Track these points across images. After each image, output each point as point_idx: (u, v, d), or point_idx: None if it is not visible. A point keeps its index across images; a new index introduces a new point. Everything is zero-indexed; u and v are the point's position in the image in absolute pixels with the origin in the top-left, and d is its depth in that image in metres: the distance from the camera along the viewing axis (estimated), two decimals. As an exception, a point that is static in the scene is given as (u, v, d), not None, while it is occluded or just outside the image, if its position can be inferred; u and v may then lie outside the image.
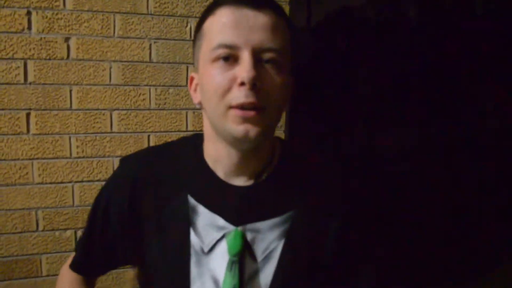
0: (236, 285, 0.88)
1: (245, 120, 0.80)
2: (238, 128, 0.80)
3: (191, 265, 0.90)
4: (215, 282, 0.89)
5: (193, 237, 0.89)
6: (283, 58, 0.83)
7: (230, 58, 0.80)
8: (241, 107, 0.79)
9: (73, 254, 1.05)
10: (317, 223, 0.91)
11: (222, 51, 0.80)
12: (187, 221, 0.90)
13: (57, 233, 1.69)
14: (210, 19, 0.84)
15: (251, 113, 0.79)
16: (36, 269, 1.68)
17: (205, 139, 0.92)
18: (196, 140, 0.94)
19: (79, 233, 1.69)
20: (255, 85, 0.78)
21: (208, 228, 0.89)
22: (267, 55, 0.81)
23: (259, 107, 0.80)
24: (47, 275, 1.69)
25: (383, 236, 1.12)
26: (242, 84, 0.78)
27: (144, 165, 0.96)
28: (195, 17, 1.76)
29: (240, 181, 0.90)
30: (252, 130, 0.80)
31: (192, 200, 0.90)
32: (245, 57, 0.79)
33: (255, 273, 0.89)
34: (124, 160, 1.00)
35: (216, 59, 0.81)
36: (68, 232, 1.70)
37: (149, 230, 0.92)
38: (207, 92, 0.83)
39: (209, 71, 0.82)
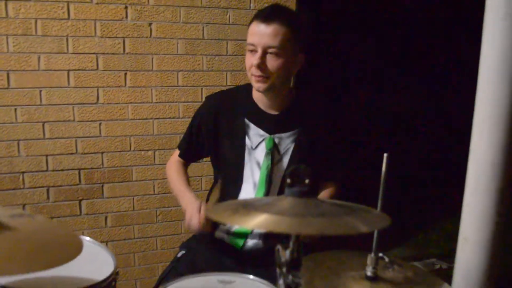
0: (269, 165, 1.71)
1: (257, 81, 1.62)
2: (255, 85, 1.64)
3: (245, 155, 1.74)
4: (258, 164, 1.73)
5: (246, 140, 1.74)
6: (282, 51, 1.56)
7: (253, 51, 1.61)
8: (255, 76, 1.62)
9: (175, 150, 1.91)
10: (312, 134, 1.73)
11: (249, 47, 1.62)
12: (244, 131, 1.74)
13: (142, 152, 2.59)
14: (250, 26, 1.65)
15: (259, 79, 1.60)
16: (129, 176, 2.60)
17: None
18: (249, 86, 1.75)
19: (157, 152, 2.59)
20: (260, 66, 1.58)
21: (255, 135, 1.73)
22: (270, 50, 1.58)
23: (264, 76, 1.60)
24: (136, 180, 2.61)
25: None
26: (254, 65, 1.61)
27: (219, 99, 1.80)
28: (233, 8, 2.60)
29: (272, 111, 1.72)
30: (261, 86, 1.62)
31: (246, 120, 1.75)
32: (258, 52, 1.59)
33: (279, 160, 1.73)
34: (209, 96, 1.85)
35: (248, 50, 1.63)
36: (150, 152, 2.61)
37: (223, 136, 1.76)
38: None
39: (246, 55, 1.65)
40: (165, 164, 2.01)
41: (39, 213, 2.38)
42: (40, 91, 2.36)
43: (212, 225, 1.63)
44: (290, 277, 0.87)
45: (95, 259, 1.49)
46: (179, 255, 1.76)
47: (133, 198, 2.58)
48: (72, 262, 1.12)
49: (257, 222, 0.78)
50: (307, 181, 0.86)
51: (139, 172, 2.58)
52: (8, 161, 2.36)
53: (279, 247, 0.88)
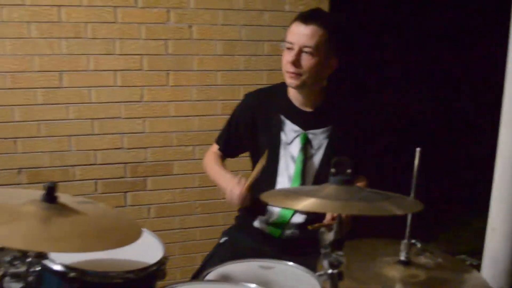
0: (303, 160, 1.83)
1: (290, 78, 1.74)
2: (288, 81, 1.75)
3: (280, 150, 1.85)
4: (292, 158, 1.85)
5: (282, 135, 1.85)
6: (316, 51, 1.67)
7: (290, 48, 1.73)
8: (288, 72, 1.73)
9: (213, 145, 2.03)
10: (344, 131, 1.84)
11: (287, 45, 1.74)
12: (279, 127, 1.85)
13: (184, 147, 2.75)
14: (290, 25, 1.76)
15: (292, 75, 1.72)
16: (171, 169, 2.75)
17: None
18: (285, 84, 1.84)
19: (197, 147, 2.72)
20: (294, 63, 1.70)
21: (290, 131, 1.84)
22: (306, 49, 1.70)
23: (296, 73, 1.71)
24: (178, 174, 2.76)
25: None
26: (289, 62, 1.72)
27: (257, 97, 1.93)
28: (268, 10, 2.72)
29: (306, 108, 1.84)
30: (292, 83, 1.74)
31: (282, 117, 1.85)
32: (294, 50, 1.71)
33: (312, 155, 1.84)
34: (247, 94, 1.97)
35: (285, 47, 1.74)
36: (190, 147, 2.75)
37: (260, 131, 1.87)
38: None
39: (283, 52, 1.76)
40: (205, 158, 2.14)
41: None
42: (90, 90, 2.54)
43: (251, 200, 1.73)
44: (333, 256, 0.98)
45: (146, 245, 1.60)
46: (221, 241, 1.89)
47: (175, 191, 2.73)
48: (126, 246, 1.27)
49: (307, 204, 0.90)
50: (349, 171, 0.97)
51: (181, 166, 2.72)
52: (60, 155, 2.54)
53: (323, 229, 0.99)
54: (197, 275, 1.69)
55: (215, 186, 1.98)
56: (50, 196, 1.23)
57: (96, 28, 2.49)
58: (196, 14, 2.62)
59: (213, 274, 1.57)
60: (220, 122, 2.61)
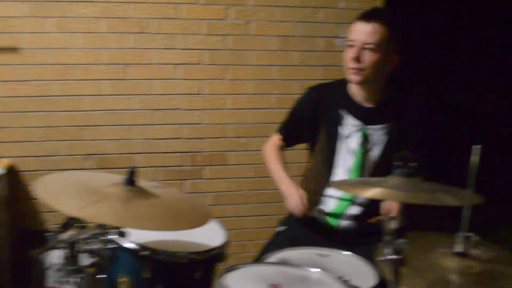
0: (363, 153, 1.89)
1: (352, 73, 1.80)
2: (350, 77, 1.82)
3: (339, 143, 1.92)
4: (350, 152, 1.90)
5: (340, 129, 1.93)
6: (377, 47, 1.73)
7: (352, 46, 1.79)
8: (350, 68, 1.80)
9: (273, 135, 2.11)
10: (403, 128, 1.88)
11: (349, 42, 1.80)
12: (339, 121, 1.92)
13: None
14: (352, 24, 1.82)
15: (353, 71, 1.79)
16: (226, 160, 2.87)
17: None
18: (345, 81, 1.92)
19: (252, 139, 2.82)
20: (356, 59, 1.76)
21: (349, 125, 1.91)
22: (367, 46, 1.76)
23: (358, 69, 1.78)
24: (233, 164, 2.88)
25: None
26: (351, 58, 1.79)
27: (320, 91, 2.00)
28: (323, 7, 2.78)
29: (367, 104, 1.90)
30: (355, 78, 1.81)
31: (342, 112, 1.93)
32: (356, 47, 1.78)
33: (370, 150, 1.89)
34: (309, 88, 2.04)
35: (347, 45, 1.81)
36: (245, 139, 2.86)
37: (320, 124, 1.95)
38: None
39: (345, 49, 1.83)
40: (258, 150, 2.25)
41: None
42: (152, 82, 2.68)
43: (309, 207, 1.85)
44: (396, 243, 1.05)
45: (207, 229, 1.71)
46: (279, 229, 1.98)
47: (230, 180, 2.85)
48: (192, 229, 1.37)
49: (374, 193, 0.97)
50: (413, 164, 1.04)
51: (236, 157, 2.84)
52: (124, 143, 2.71)
53: (386, 218, 1.07)
54: (256, 261, 1.79)
55: (268, 177, 2.08)
56: (131, 179, 1.37)
57: (159, 24, 2.63)
58: (254, 11, 2.72)
59: (272, 259, 1.66)
60: (274, 115, 2.73)
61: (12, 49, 2.53)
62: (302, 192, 1.84)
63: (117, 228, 1.35)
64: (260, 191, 2.88)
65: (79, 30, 2.56)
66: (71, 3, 2.53)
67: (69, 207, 1.24)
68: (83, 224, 2.60)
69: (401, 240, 1.04)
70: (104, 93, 2.64)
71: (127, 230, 1.36)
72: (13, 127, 2.60)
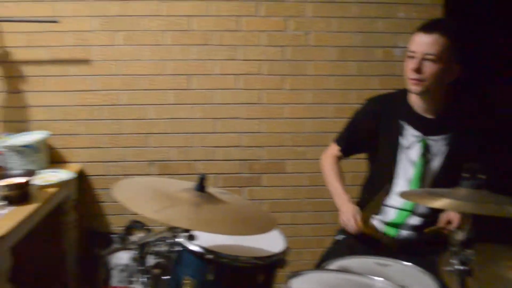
0: (424, 164, 1.89)
1: (413, 84, 1.81)
2: (411, 87, 1.83)
3: (400, 153, 1.93)
4: (411, 162, 1.90)
5: (401, 139, 1.94)
6: (438, 58, 1.74)
7: (412, 57, 1.80)
8: (411, 79, 1.81)
9: (331, 145, 2.15)
10: (465, 139, 1.87)
11: (410, 53, 1.81)
12: (399, 132, 1.93)
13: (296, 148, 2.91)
14: (413, 35, 1.84)
15: (414, 82, 1.80)
16: (284, 168, 2.93)
17: None
18: (405, 91, 1.94)
19: (309, 148, 2.87)
20: (417, 70, 1.77)
21: (410, 136, 1.91)
22: (427, 57, 1.77)
23: (418, 79, 1.78)
24: (290, 172, 2.93)
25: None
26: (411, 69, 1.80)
27: (379, 102, 2.02)
28: (381, 17, 2.78)
29: (427, 115, 1.90)
30: (415, 89, 1.82)
31: (402, 122, 1.94)
32: (416, 58, 1.78)
33: (430, 161, 1.90)
34: (369, 99, 2.07)
35: (408, 56, 1.82)
36: (302, 148, 2.91)
37: (381, 135, 1.97)
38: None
39: (406, 60, 1.84)
40: (316, 159, 2.29)
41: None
42: (214, 92, 2.78)
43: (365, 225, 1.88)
44: (463, 254, 1.07)
45: (267, 236, 1.69)
46: (339, 238, 2.01)
47: (287, 188, 2.90)
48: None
49: (442, 204, 1.00)
50: (481, 176, 1.06)
51: (293, 165, 2.89)
52: (185, 150, 2.82)
53: (454, 229, 1.08)
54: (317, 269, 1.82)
55: (324, 186, 2.13)
56: (201, 186, 1.44)
57: (222, 36, 2.73)
58: (312, 22, 2.77)
59: (332, 266, 1.69)
60: (331, 125, 2.76)
61: (84, 61, 2.71)
62: (355, 209, 1.87)
63: (187, 231, 1.43)
64: (316, 200, 2.91)
65: (146, 43, 2.71)
66: (139, 17, 2.68)
67: (145, 210, 1.32)
68: (148, 227, 2.72)
69: (469, 251, 1.05)
70: (168, 102, 2.77)
71: (196, 233, 1.43)
72: (84, 134, 2.78)
